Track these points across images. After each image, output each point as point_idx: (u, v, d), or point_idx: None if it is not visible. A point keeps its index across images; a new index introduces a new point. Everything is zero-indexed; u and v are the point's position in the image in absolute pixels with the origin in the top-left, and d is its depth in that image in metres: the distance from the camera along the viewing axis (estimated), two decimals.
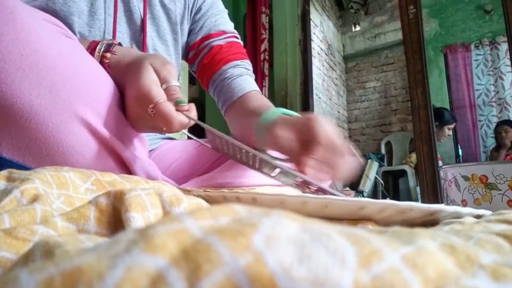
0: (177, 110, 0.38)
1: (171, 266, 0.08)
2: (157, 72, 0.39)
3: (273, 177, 0.40)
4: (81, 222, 0.20)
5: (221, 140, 0.41)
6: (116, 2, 0.54)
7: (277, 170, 0.38)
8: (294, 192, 0.43)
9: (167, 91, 0.38)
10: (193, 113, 0.40)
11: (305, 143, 0.40)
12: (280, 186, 0.52)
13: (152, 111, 0.36)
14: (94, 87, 0.37)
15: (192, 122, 0.40)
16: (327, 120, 0.41)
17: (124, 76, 0.41)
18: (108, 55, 0.42)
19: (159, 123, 0.37)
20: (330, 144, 0.39)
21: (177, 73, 0.41)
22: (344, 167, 0.39)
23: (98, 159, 0.38)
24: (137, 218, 0.20)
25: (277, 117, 0.46)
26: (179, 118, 0.37)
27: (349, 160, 0.39)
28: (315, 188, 0.36)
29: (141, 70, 0.38)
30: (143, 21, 0.57)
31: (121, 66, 0.42)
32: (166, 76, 0.39)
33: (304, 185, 0.37)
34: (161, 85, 0.38)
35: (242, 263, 0.08)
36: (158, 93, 0.37)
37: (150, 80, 0.37)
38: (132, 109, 0.40)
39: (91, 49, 0.42)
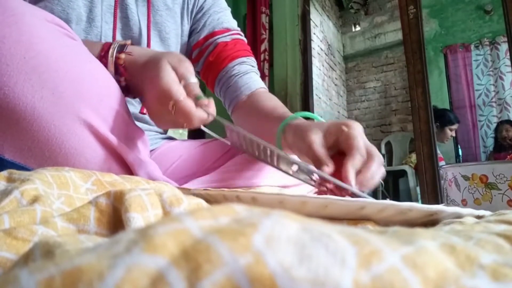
0: (197, 105, 0.39)
1: (171, 266, 0.08)
2: (174, 70, 0.39)
3: (291, 174, 0.40)
4: (81, 222, 0.20)
5: (239, 136, 0.41)
6: (116, 10, 0.54)
7: (295, 167, 0.38)
8: (295, 192, 0.43)
9: (186, 87, 0.39)
10: (212, 108, 0.40)
11: (338, 150, 0.40)
12: (281, 187, 0.52)
13: (173, 108, 0.37)
14: (97, 89, 0.37)
15: (211, 118, 0.40)
16: (360, 127, 0.40)
17: (142, 75, 0.41)
18: (123, 56, 0.42)
19: (180, 119, 0.38)
20: (367, 153, 0.38)
21: (193, 70, 0.42)
22: (377, 176, 0.38)
23: (100, 161, 0.38)
24: (137, 219, 0.20)
25: (304, 123, 0.45)
26: (199, 114, 0.39)
27: (381, 169, 0.39)
28: (332, 185, 0.36)
29: (159, 68, 0.38)
30: (147, 27, 0.57)
31: (137, 66, 0.42)
32: (184, 73, 0.40)
33: (321, 181, 0.37)
34: (180, 82, 0.39)
35: (242, 263, 0.08)
36: (178, 90, 0.38)
37: (170, 78, 0.38)
38: (153, 107, 0.40)
39: (105, 51, 0.43)
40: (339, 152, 0.40)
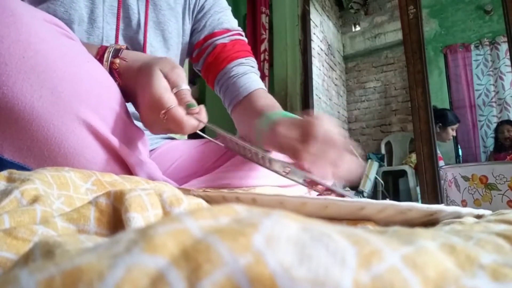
0: (188, 113, 0.39)
1: (171, 266, 0.08)
2: (166, 77, 0.39)
3: (284, 175, 0.40)
4: (81, 222, 0.20)
5: (232, 142, 0.43)
6: (120, 10, 0.54)
7: (287, 169, 0.39)
8: (296, 193, 0.43)
9: (177, 95, 0.40)
10: (203, 116, 0.41)
11: (304, 140, 0.41)
12: (281, 187, 0.52)
13: (165, 116, 0.38)
14: (96, 88, 0.37)
15: (202, 125, 0.41)
16: (329, 118, 0.41)
17: (135, 82, 0.41)
18: (117, 61, 0.42)
19: (171, 127, 0.39)
20: (328, 140, 0.39)
21: (185, 77, 0.42)
22: (343, 164, 0.39)
23: (100, 161, 0.38)
24: (137, 218, 0.20)
25: (279, 117, 0.47)
26: (190, 122, 0.39)
27: (349, 158, 0.39)
28: (323, 188, 0.37)
29: (151, 76, 0.39)
30: (144, 27, 0.57)
31: (131, 72, 0.42)
32: (176, 80, 0.40)
33: (312, 184, 0.38)
34: (172, 89, 0.39)
35: (242, 263, 0.08)
36: (169, 99, 0.38)
37: (161, 87, 0.38)
38: (146, 114, 0.41)
39: (100, 55, 0.43)
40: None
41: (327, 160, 0.38)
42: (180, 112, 0.38)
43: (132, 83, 0.42)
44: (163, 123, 0.39)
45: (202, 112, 0.41)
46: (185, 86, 0.41)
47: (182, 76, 0.41)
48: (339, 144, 0.39)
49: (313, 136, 0.39)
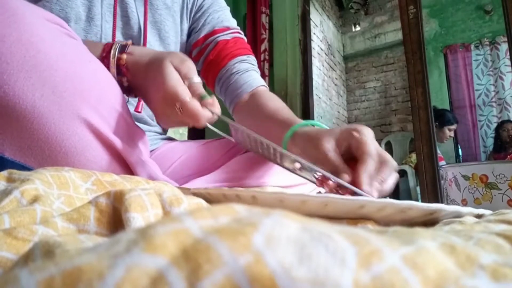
0: (202, 105, 0.39)
1: (171, 266, 0.08)
2: (177, 70, 0.40)
3: (294, 171, 0.40)
4: (81, 222, 0.20)
5: (243, 134, 0.42)
6: (116, 8, 0.54)
7: (297, 165, 0.39)
8: (297, 192, 0.42)
9: (190, 87, 0.40)
10: (217, 107, 0.41)
11: (351, 156, 0.39)
12: (281, 187, 0.52)
13: (180, 109, 0.38)
14: (97, 88, 0.37)
15: (216, 116, 0.41)
16: (369, 131, 0.40)
17: (145, 76, 0.42)
18: (124, 56, 0.42)
19: (187, 120, 0.39)
20: (379, 158, 0.38)
21: (195, 69, 0.42)
22: (389, 181, 0.38)
23: (101, 161, 0.38)
24: (137, 218, 0.20)
25: (311, 129, 0.45)
26: (205, 114, 0.39)
27: (393, 175, 0.38)
28: (334, 184, 0.36)
29: (163, 70, 0.39)
30: (144, 26, 0.57)
31: (139, 66, 0.42)
32: (187, 73, 0.40)
33: (323, 180, 0.37)
34: (183, 81, 0.40)
35: (242, 263, 0.08)
36: (183, 91, 0.38)
37: (174, 80, 0.38)
38: (159, 108, 0.41)
39: (106, 52, 0.43)
40: (352, 158, 0.40)
41: (378, 178, 0.37)
42: (195, 104, 0.38)
43: (141, 78, 0.42)
44: (179, 116, 0.39)
45: (215, 103, 0.41)
46: (196, 79, 0.41)
47: (193, 68, 0.41)
48: (388, 161, 0.38)
49: (365, 155, 0.37)
